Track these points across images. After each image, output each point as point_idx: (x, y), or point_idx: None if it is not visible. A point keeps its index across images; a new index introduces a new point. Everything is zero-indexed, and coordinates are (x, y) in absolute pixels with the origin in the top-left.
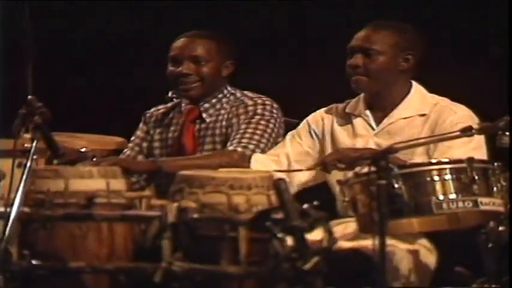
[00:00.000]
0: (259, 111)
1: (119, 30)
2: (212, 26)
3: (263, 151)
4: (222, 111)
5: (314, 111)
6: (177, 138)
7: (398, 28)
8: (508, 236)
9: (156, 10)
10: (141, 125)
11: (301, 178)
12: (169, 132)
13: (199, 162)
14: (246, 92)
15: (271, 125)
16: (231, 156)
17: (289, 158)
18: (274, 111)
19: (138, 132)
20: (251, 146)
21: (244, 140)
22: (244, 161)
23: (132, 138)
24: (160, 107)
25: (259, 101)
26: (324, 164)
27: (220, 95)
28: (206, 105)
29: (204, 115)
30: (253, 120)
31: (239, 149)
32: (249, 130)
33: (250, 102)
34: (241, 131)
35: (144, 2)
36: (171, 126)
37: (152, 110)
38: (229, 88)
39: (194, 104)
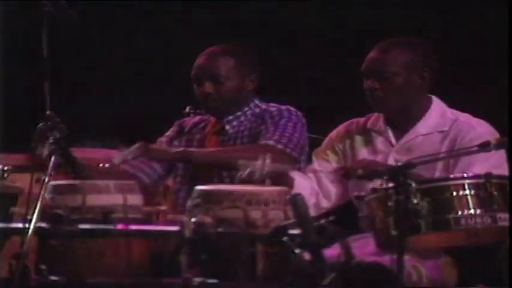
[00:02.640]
0: (285, 114)
1: (133, 49)
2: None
3: (293, 150)
4: (245, 123)
5: (334, 126)
6: (200, 149)
7: (409, 45)
8: None
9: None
10: (173, 127)
11: (338, 193)
12: (195, 141)
13: (229, 154)
14: (271, 104)
15: (298, 128)
16: (262, 150)
17: (317, 174)
18: (299, 116)
19: (169, 133)
20: (283, 141)
21: (275, 137)
22: (277, 154)
23: (161, 138)
24: (196, 117)
25: (284, 107)
26: (346, 170)
27: (246, 108)
28: (230, 117)
29: (227, 127)
30: (281, 122)
31: (270, 142)
32: (279, 129)
33: (274, 109)
34: (270, 131)
35: (157, 19)
36: (196, 135)
37: (186, 118)
38: (256, 101)
39: (220, 119)
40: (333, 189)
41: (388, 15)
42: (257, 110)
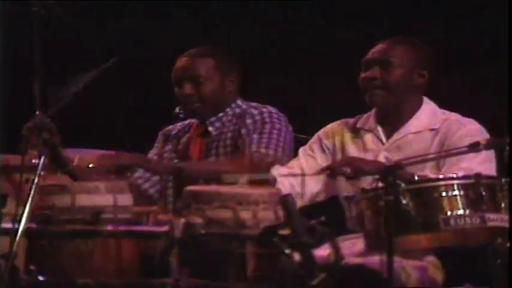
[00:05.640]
0: (267, 119)
1: (126, 45)
2: (220, 43)
3: (282, 156)
4: (227, 124)
5: (322, 126)
6: (185, 152)
7: (414, 44)
8: None
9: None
10: (157, 143)
11: (313, 189)
12: (180, 144)
13: (221, 167)
14: (252, 104)
15: (282, 133)
16: (253, 159)
17: (303, 171)
18: (282, 118)
19: (157, 145)
20: (271, 150)
21: (263, 145)
22: (266, 163)
23: (150, 153)
24: (178, 124)
25: (265, 110)
26: (331, 169)
27: (227, 109)
28: (213, 119)
29: (210, 128)
30: (265, 129)
31: (262, 150)
32: (264, 136)
33: (255, 112)
34: (256, 138)
35: (152, 20)
36: (181, 139)
37: (170, 127)
38: (238, 102)
39: (202, 121)
40: (311, 188)
41: (383, 16)
42: (237, 110)
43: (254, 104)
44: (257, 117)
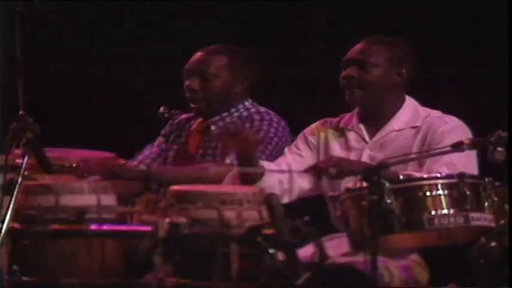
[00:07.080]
0: (264, 127)
1: (111, 43)
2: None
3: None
4: (230, 125)
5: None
6: (184, 147)
7: (393, 43)
8: (498, 252)
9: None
10: (168, 125)
11: (302, 184)
12: (182, 137)
13: (192, 174)
14: (260, 108)
15: (273, 143)
16: (226, 167)
17: (290, 167)
18: (280, 129)
19: (163, 132)
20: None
21: None
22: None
23: (159, 138)
24: (190, 114)
25: (267, 117)
26: (316, 168)
27: (233, 110)
28: (216, 118)
29: (212, 127)
30: (258, 135)
31: None
32: None
33: (257, 117)
34: None
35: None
36: (183, 131)
37: (183, 115)
38: (246, 103)
39: (205, 118)
40: (299, 184)
41: (374, 16)
42: (245, 113)
43: (262, 109)
44: (256, 123)
